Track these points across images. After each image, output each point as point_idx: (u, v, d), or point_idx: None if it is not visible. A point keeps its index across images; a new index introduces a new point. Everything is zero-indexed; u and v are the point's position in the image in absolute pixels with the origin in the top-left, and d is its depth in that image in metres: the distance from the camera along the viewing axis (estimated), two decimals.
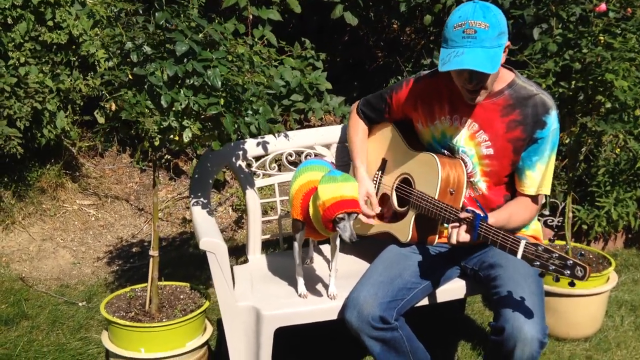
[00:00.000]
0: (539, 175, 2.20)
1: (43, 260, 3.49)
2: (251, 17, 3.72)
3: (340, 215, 2.02)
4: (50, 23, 3.51)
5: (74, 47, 3.60)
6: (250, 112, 2.06)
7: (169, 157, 4.19)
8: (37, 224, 3.69)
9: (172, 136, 1.98)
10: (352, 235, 2.03)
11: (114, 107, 1.88)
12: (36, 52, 3.50)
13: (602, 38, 2.37)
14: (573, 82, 2.42)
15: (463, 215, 2.01)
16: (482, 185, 2.26)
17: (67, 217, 3.79)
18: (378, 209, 2.36)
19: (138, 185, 4.14)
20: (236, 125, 2.02)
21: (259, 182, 2.64)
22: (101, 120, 1.95)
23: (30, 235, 3.61)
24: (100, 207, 3.94)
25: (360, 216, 2.29)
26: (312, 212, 2.12)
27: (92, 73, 3.59)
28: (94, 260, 3.57)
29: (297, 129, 3.96)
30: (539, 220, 3.06)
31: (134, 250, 3.68)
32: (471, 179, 2.26)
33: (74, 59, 3.59)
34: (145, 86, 1.89)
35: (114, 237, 3.78)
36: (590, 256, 2.96)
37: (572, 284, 1.83)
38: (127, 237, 3.79)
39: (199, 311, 2.26)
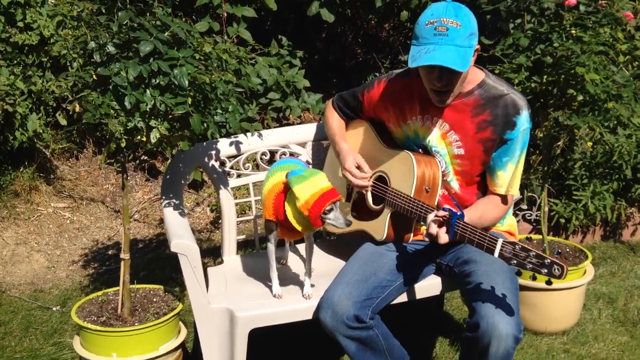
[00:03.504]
0: (509, 175, 2.20)
1: (17, 264, 3.44)
2: (225, 14, 3.69)
3: (328, 208, 2.04)
4: (20, 24, 3.46)
5: (45, 48, 3.54)
6: (219, 111, 2.03)
7: (145, 157, 4.14)
8: (11, 228, 3.63)
9: (139, 137, 1.94)
10: (346, 220, 2.07)
11: (78, 108, 1.84)
12: (7, 54, 3.44)
13: (574, 32, 2.37)
14: (545, 77, 2.42)
15: (440, 213, 1.99)
16: (455, 184, 2.26)
17: (41, 220, 3.74)
18: (370, 172, 2.32)
19: (114, 187, 4.09)
20: (205, 125, 1.99)
21: (234, 182, 2.61)
22: (63, 122, 1.91)
23: (3, 239, 3.55)
24: (76, 209, 3.88)
25: (356, 181, 2.28)
26: (291, 214, 2.09)
27: (63, 74, 3.54)
28: (69, 263, 3.52)
29: (275, 127, 3.93)
30: (516, 215, 3.06)
31: (109, 252, 3.63)
32: (444, 178, 2.25)
33: (46, 59, 3.54)
34: (110, 87, 1.85)
35: (89, 239, 3.73)
36: (567, 249, 2.97)
37: (549, 282, 1.83)
38: (102, 240, 3.74)
39: (171, 314, 2.23)
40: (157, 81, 1.88)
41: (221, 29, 3.72)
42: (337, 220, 2.07)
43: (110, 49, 1.85)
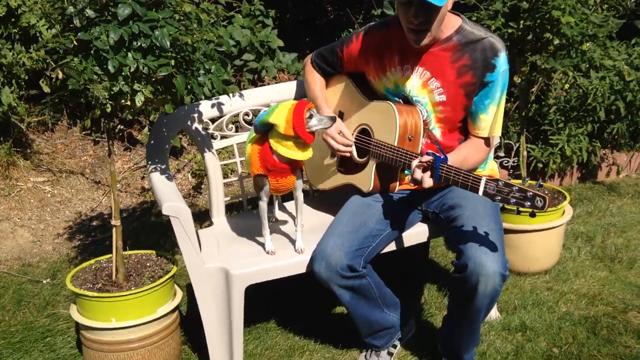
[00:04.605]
0: (491, 118, 2.24)
1: (2, 241, 3.42)
2: None
3: (307, 115, 2.09)
4: None
5: (13, 19, 3.45)
6: (202, 72, 2.02)
7: (121, 127, 4.10)
8: None
9: (123, 101, 1.93)
10: (329, 117, 2.14)
11: (61, 75, 1.82)
12: None
13: None
14: (521, 22, 2.45)
15: (424, 158, 2.03)
16: (437, 132, 2.29)
17: (22, 195, 3.70)
18: (352, 138, 2.36)
19: (92, 158, 4.05)
20: (189, 87, 1.98)
21: (217, 144, 2.62)
22: (47, 90, 1.88)
23: None
24: (56, 183, 3.85)
25: (337, 146, 2.32)
26: (280, 147, 2.12)
27: (34, 45, 3.46)
28: (54, 237, 3.51)
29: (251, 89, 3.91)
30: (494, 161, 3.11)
31: (94, 224, 3.63)
32: (426, 127, 2.28)
33: (15, 31, 3.45)
34: (92, 52, 1.83)
35: (72, 212, 3.71)
36: (546, 192, 3.05)
37: (532, 215, 1.88)
38: (86, 212, 3.72)
39: (167, 276, 2.25)
40: (139, 44, 1.86)
41: None
42: (322, 122, 2.13)
43: (89, 12, 1.82)
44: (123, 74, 1.87)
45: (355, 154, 2.39)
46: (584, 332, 2.52)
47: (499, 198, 1.90)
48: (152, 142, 2.47)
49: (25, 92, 3.76)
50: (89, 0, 1.85)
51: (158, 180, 2.33)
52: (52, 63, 1.80)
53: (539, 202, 1.83)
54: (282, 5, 4.89)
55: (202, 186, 3.92)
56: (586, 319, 2.61)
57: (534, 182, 2.79)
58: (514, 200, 1.87)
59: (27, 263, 3.24)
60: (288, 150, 2.12)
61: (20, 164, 3.80)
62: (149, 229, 3.47)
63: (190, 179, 3.97)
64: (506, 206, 1.91)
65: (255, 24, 4.14)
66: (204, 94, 2.05)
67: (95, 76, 1.83)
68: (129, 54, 1.86)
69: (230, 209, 2.68)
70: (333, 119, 2.15)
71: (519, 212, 1.89)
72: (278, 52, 4.20)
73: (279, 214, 2.63)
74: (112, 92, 1.87)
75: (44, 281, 3.03)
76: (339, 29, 4.66)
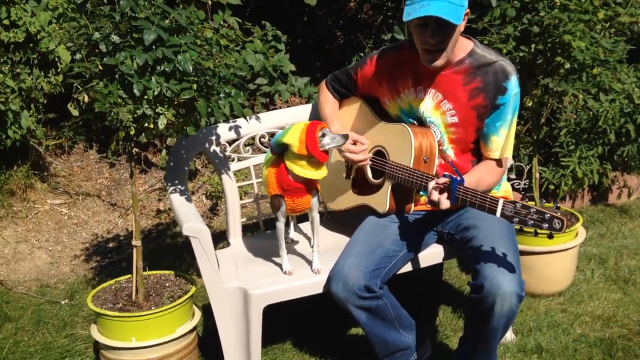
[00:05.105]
0: (502, 140, 2.28)
1: (20, 262, 3.46)
2: (210, 2, 3.70)
3: (320, 134, 2.13)
4: (6, 22, 3.44)
5: (31, 45, 3.53)
6: (222, 95, 2.07)
7: (137, 150, 4.16)
8: (10, 227, 3.64)
9: (146, 124, 1.98)
10: (342, 135, 2.16)
11: (86, 99, 1.88)
12: None
13: (557, 1, 2.45)
14: (533, 46, 2.50)
15: (441, 180, 2.07)
16: (450, 152, 2.33)
17: (39, 217, 3.75)
18: (367, 142, 2.37)
19: (108, 180, 4.11)
20: (209, 109, 2.03)
21: (234, 165, 2.66)
22: (75, 112, 1.93)
23: (4, 238, 3.56)
24: (72, 205, 3.90)
25: (356, 157, 2.33)
26: (295, 167, 2.16)
27: (53, 70, 3.54)
28: (71, 258, 3.54)
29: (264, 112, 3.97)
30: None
31: (110, 245, 3.66)
32: (440, 147, 2.32)
33: (34, 56, 3.53)
34: (116, 76, 1.89)
35: (88, 234, 3.75)
36: (559, 213, 3.07)
37: (550, 237, 1.90)
38: (102, 233, 3.77)
39: (186, 296, 2.28)
40: (162, 68, 1.91)
41: (207, 17, 3.74)
42: (334, 140, 2.15)
43: (115, 38, 1.88)
44: (146, 97, 1.93)
45: (370, 175, 2.43)
46: (599, 354, 2.52)
47: (517, 220, 1.92)
48: (171, 164, 2.52)
49: (44, 115, 3.84)
50: (114, 26, 1.91)
51: (178, 201, 2.37)
52: (79, 87, 1.86)
53: (557, 224, 1.86)
54: (293, 30, 4.97)
55: (217, 208, 3.96)
56: (602, 340, 2.61)
57: (550, 205, 2.81)
58: (532, 222, 1.89)
59: (45, 284, 3.28)
60: (302, 170, 2.16)
61: (38, 186, 3.85)
62: (165, 251, 3.50)
63: (205, 200, 4.02)
64: (524, 228, 1.93)
65: (268, 49, 4.20)
66: (223, 117, 2.10)
67: (119, 99, 1.88)
68: (153, 78, 1.92)
69: (244, 229, 2.71)
70: (345, 137, 2.18)
71: (536, 234, 1.91)
72: (290, 76, 4.26)
73: (295, 235, 2.66)
74: (135, 115, 1.93)
75: (62, 302, 3.06)
76: (349, 53, 4.72)
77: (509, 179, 3.79)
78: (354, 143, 2.36)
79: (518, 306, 2.06)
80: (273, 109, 4.34)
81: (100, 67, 1.89)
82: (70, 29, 1.99)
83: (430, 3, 2.07)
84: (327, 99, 2.56)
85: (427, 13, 2.05)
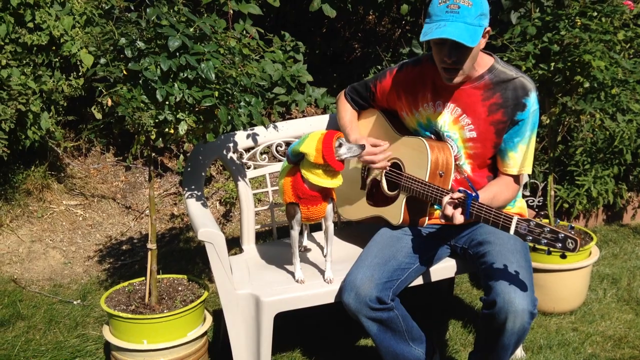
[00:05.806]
0: (520, 156, 2.28)
1: (34, 261, 3.50)
2: (231, 12, 3.75)
3: (337, 144, 2.14)
4: (30, 25, 3.49)
5: (54, 48, 3.59)
6: (243, 103, 2.10)
7: (153, 154, 4.20)
8: (25, 226, 3.68)
9: (167, 129, 2.01)
10: (359, 146, 2.18)
11: (110, 102, 1.91)
12: (17, 54, 3.48)
13: (578, 21, 2.46)
14: (552, 64, 2.51)
15: (455, 195, 2.07)
16: (467, 167, 2.34)
17: (54, 218, 3.79)
18: (387, 144, 2.37)
19: (124, 183, 4.15)
20: (230, 117, 2.06)
21: (250, 173, 2.69)
22: (98, 115, 1.97)
23: (19, 237, 3.61)
24: (87, 206, 3.94)
25: (378, 157, 2.33)
26: (311, 175, 2.17)
27: (74, 73, 3.59)
28: (85, 259, 3.58)
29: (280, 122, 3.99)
30: None
31: (124, 248, 3.69)
32: (456, 162, 2.33)
33: (56, 59, 3.58)
34: (140, 81, 1.92)
35: (102, 236, 3.79)
36: (572, 232, 3.06)
37: (563, 257, 1.90)
38: (116, 236, 3.80)
39: (199, 301, 2.30)
40: (185, 75, 1.94)
41: (228, 26, 3.78)
42: (351, 150, 2.17)
43: (140, 44, 1.92)
44: (168, 103, 1.96)
45: (385, 186, 2.44)
46: None
47: (530, 238, 1.92)
48: (188, 169, 2.55)
49: (63, 117, 3.89)
50: (139, 33, 1.95)
51: (194, 206, 2.39)
52: (104, 90, 1.89)
53: (570, 244, 1.86)
54: (311, 41, 5.00)
55: (230, 214, 3.98)
56: None
57: (565, 224, 2.80)
58: (545, 241, 1.89)
59: (58, 284, 3.31)
60: (318, 178, 2.18)
61: (54, 187, 3.90)
62: (178, 255, 3.53)
63: (219, 206, 4.04)
64: (537, 246, 1.93)
65: (287, 59, 4.24)
66: (242, 125, 2.12)
67: (142, 104, 1.91)
68: (175, 84, 1.95)
69: (257, 236, 2.73)
70: (362, 147, 2.20)
71: (549, 253, 1.91)
72: (308, 86, 4.29)
73: (308, 244, 2.67)
74: (157, 120, 1.95)
75: (75, 302, 3.09)
76: (367, 66, 4.75)
77: (523, 196, 3.79)
78: (373, 145, 2.37)
79: (530, 323, 2.06)
80: (289, 119, 4.37)
81: (125, 72, 1.93)
82: (97, 34, 2.02)
83: (447, 24, 2.09)
84: (346, 110, 2.59)
85: (442, 35, 2.07)
